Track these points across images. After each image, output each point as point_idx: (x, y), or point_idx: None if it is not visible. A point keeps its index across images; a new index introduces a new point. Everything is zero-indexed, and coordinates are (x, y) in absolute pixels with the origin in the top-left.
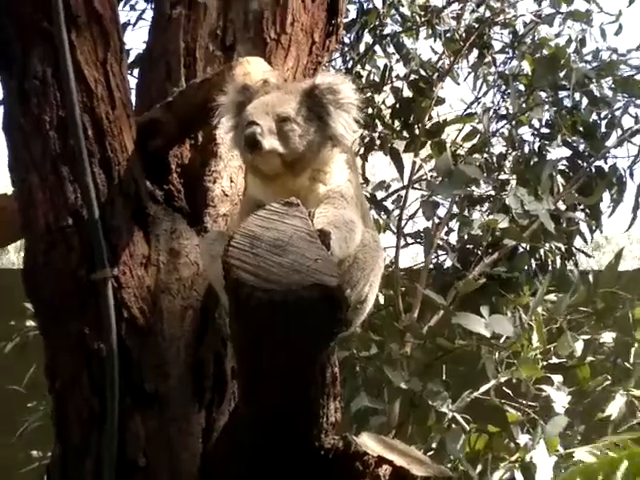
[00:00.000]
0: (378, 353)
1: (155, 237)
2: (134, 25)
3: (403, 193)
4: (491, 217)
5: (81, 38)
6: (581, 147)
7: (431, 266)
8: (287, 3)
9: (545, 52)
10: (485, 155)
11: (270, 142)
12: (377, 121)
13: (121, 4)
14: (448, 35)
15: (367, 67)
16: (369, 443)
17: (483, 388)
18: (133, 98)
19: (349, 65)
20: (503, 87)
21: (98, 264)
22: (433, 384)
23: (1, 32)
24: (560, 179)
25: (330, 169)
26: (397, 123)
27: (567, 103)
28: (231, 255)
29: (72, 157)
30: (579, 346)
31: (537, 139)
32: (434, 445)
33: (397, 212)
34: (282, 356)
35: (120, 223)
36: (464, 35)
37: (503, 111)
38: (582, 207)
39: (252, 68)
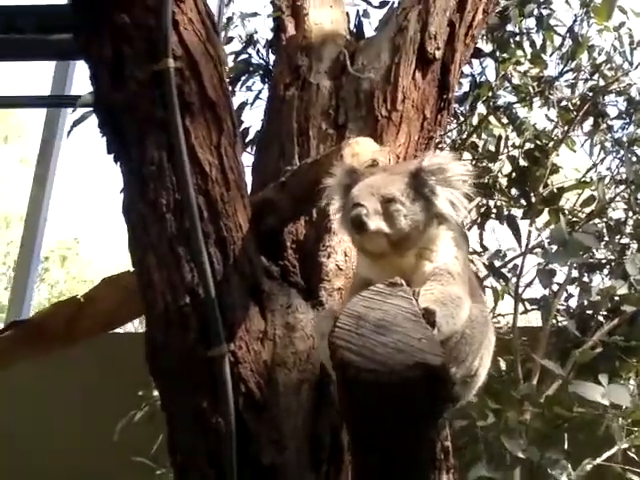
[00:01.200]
0: (496, 422)
1: (271, 312)
2: (252, 105)
3: (520, 260)
4: (610, 283)
5: (195, 124)
6: None
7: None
8: (398, 81)
9: None
10: (605, 219)
11: (376, 223)
12: (494, 190)
13: (238, 85)
14: (562, 104)
15: (483, 136)
16: None
17: (605, 455)
18: (250, 177)
19: (464, 136)
20: (621, 152)
21: (215, 341)
22: (552, 452)
23: (117, 120)
24: None
25: (436, 247)
26: (514, 191)
27: None
28: (337, 336)
29: (188, 238)
30: None
31: None
32: None
33: (515, 280)
34: (389, 433)
35: (236, 300)
36: (578, 104)
37: (622, 176)
38: None
39: (360, 148)
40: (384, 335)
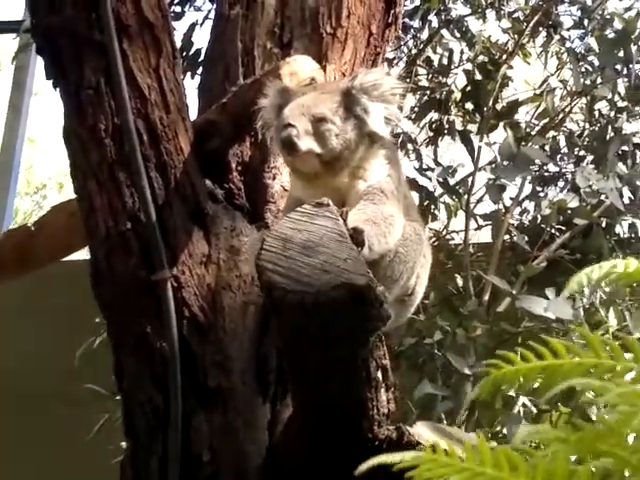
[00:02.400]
0: (443, 339)
1: (215, 236)
2: (201, 25)
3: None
4: (561, 196)
5: (133, 46)
6: None
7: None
8: None
9: (618, 26)
10: (561, 132)
11: (306, 143)
12: (448, 105)
13: (186, 6)
14: (515, 16)
15: (439, 50)
16: (423, 432)
17: None
18: (196, 99)
19: (416, 51)
20: (579, 63)
21: (157, 265)
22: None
23: (54, 45)
24: None
25: (369, 166)
26: (470, 106)
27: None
28: (263, 258)
29: (128, 163)
30: None
31: (614, 113)
32: (505, 430)
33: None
34: (321, 353)
35: (178, 224)
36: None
37: (572, 88)
38: None
39: (298, 67)
40: (310, 256)
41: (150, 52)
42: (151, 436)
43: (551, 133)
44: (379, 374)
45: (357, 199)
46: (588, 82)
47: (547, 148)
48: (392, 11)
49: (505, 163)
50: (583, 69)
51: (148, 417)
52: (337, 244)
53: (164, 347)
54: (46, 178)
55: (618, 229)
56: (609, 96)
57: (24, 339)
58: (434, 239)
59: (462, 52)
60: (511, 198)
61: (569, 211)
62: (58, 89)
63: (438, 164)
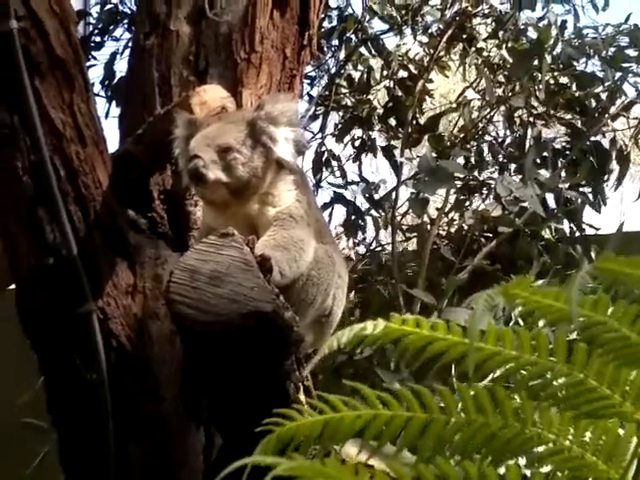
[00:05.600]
0: (373, 355)
1: (140, 265)
2: (121, 54)
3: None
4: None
5: (45, 84)
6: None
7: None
8: (255, 22)
9: (533, 36)
10: (484, 142)
11: (214, 173)
12: (372, 122)
13: (105, 37)
14: (430, 31)
15: (360, 68)
16: (352, 451)
17: (489, 377)
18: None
19: (334, 70)
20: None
21: (82, 298)
22: (429, 381)
23: None
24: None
25: (278, 192)
26: (393, 122)
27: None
28: (172, 290)
29: (47, 198)
30: None
31: (532, 120)
32: None
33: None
34: (235, 380)
35: (101, 256)
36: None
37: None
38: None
39: (209, 96)
40: (219, 286)
41: (62, 88)
42: (86, 470)
43: (475, 144)
44: (302, 396)
45: (267, 225)
46: (506, 92)
47: (472, 159)
48: (306, 33)
49: (426, 177)
50: (502, 78)
51: (82, 449)
52: (243, 273)
53: (94, 379)
54: None
55: (547, 234)
56: (522, 105)
57: None
58: (365, 251)
59: (382, 69)
60: (437, 209)
61: (493, 220)
62: None
63: (363, 180)
